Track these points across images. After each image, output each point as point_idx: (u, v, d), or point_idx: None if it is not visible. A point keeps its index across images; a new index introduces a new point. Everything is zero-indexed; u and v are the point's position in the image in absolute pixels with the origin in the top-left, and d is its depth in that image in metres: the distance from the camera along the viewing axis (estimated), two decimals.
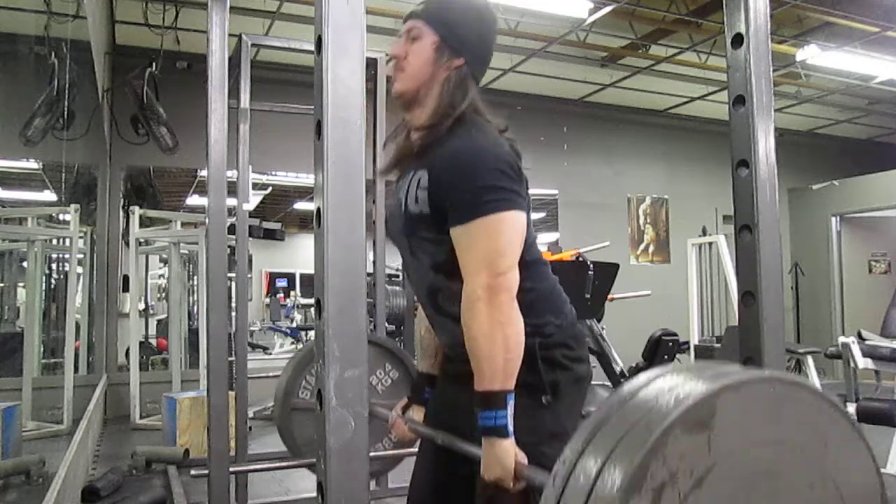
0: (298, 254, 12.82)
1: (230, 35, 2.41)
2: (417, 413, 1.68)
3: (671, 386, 0.82)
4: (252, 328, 8.65)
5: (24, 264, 4.18)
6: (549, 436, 1.37)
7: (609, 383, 5.01)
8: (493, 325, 1.27)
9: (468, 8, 1.48)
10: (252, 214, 3.93)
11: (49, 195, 4.26)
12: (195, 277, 7.30)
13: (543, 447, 1.34)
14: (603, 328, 5.17)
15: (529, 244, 1.44)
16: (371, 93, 3.64)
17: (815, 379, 6.22)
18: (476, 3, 1.51)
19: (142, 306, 8.22)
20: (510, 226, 1.33)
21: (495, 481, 1.28)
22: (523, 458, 1.28)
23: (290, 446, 2.30)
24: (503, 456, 1.26)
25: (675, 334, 5.32)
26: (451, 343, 1.52)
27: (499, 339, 1.27)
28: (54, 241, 4.76)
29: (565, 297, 1.51)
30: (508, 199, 1.34)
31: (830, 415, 0.88)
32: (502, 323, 1.28)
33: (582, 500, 0.78)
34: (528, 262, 1.42)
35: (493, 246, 1.31)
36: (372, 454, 2.23)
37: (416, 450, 1.70)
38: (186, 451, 4.42)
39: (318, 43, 0.89)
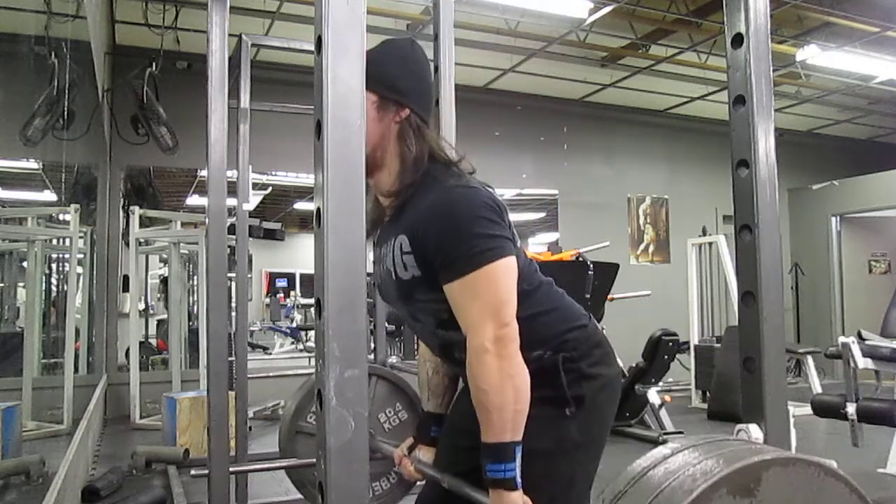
0: (298, 254, 12.80)
1: (230, 35, 2.41)
2: (424, 452, 1.66)
3: (708, 455, 0.81)
4: (252, 328, 8.64)
5: (24, 264, 4.18)
6: (573, 446, 1.38)
7: None
8: (503, 378, 1.26)
9: (394, 56, 1.44)
10: (252, 214, 3.92)
11: (49, 195, 4.26)
12: (195, 277, 7.30)
13: (568, 456, 1.36)
14: (603, 328, 5.16)
15: (530, 273, 1.44)
16: None
17: (814, 379, 6.22)
18: (399, 46, 1.47)
19: (142, 306, 8.22)
20: (506, 273, 1.31)
21: None
22: None
23: (291, 470, 2.29)
24: None
25: (675, 334, 5.32)
26: None
27: (509, 391, 1.26)
28: (54, 241, 4.76)
29: (579, 307, 1.51)
30: (500, 245, 1.30)
31: None
32: (512, 375, 1.27)
33: None
34: (530, 290, 1.42)
35: (496, 296, 1.28)
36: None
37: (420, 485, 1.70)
38: (186, 451, 4.42)
39: (318, 43, 0.89)
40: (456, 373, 1.57)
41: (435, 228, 1.32)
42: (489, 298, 1.28)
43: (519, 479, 1.26)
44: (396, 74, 1.41)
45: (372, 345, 3.65)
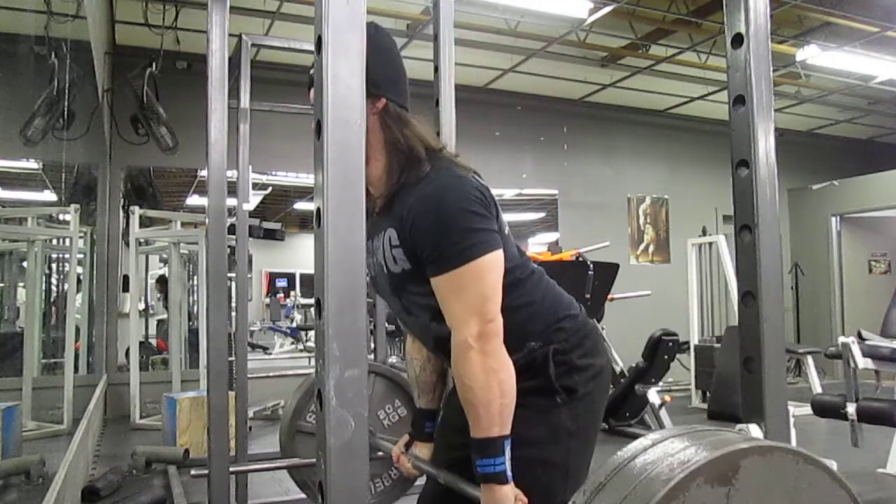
0: (298, 254, 12.81)
1: (230, 35, 2.41)
2: (420, 449, 1.67)
3: (688, 444, 0.81)
4: (252, 328, 8.64)
5: (24, 264, 4.18)
6: (566, 434, 1.39)
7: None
8: (488, 373, 1.26)
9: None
10: (252, 214, 3.92)
11: (49, 195, 4.26)
12: (195, 277, 7.30)
13: (559, 444, 1.36)
14: (603, 328, 5.17)
15: (520, 263, 1.44)
16: None
17: (814, 379, 6.23)
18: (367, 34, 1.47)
19: (142, 306, 8.22)
20: (493, 268, 1.30)
21: None
22: (523, 499, 1.29)
23: (293, 470, 2.30)
24: (502, 501, 1.27)
25: (675, 334, 5.32)
26: None
27: (494, 387, 1.26)
28: (54, 241, 4.76)
29: (569, 297, 1.51)
30: (486, 240, 1.30)
31: None
32: (496, 370, 1.27)
33: None
34: (522, 278, 1.43)
35: (480, 292, 1.28)
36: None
37: (420, 482, 1.70)
38: (186, 451, 4.42)
39: (318, 43, 0.89)
40: (449, 367, 1.56)
41: (422, 222, 1.30)
42: (474, 294, 1.28)
43: (510, 473, 1.27)
44: (368, 65, 1.39)
45: (372, 345, 3.65)
